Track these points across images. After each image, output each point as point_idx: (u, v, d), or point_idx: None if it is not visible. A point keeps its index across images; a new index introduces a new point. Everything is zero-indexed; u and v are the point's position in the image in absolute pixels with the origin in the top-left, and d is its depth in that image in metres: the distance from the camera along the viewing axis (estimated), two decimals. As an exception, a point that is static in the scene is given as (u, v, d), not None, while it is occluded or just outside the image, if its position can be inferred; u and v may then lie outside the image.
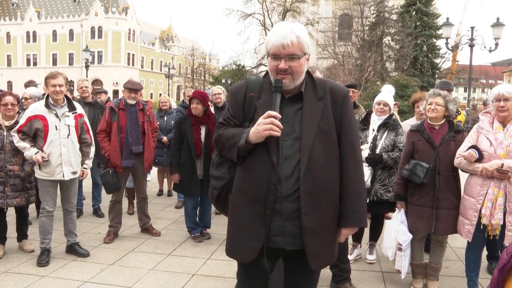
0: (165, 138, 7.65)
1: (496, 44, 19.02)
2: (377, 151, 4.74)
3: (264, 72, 2.46)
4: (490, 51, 19.51)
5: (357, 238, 5.14)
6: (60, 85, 4.78)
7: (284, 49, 2.19)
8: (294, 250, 2.31)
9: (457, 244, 5.51)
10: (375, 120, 4.88)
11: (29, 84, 7.47)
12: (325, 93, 2.35)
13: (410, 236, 4.16)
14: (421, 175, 3.97)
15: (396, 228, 4.24)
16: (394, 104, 5.47)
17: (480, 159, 3.71)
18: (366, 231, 5.24)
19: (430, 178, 3.98)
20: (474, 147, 3.76)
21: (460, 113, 5.68)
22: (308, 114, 2.28)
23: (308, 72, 2.38)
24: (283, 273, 2.56)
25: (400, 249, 4.22)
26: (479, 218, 3.75)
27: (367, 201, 4.72)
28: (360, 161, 2.42)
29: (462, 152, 3.81)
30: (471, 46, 19.29)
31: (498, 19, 18.58)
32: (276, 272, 2.55)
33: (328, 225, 2.33)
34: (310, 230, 2.25)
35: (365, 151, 4.76)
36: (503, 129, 3.74)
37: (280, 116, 2.18)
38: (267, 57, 2.29)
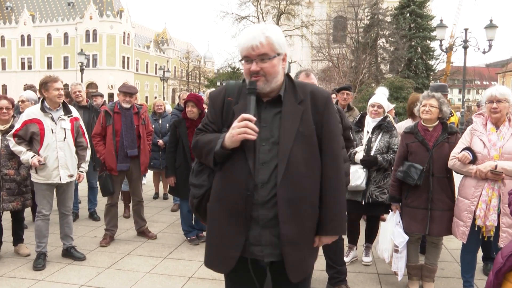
0: (160, 141, 7.66)
1: (490, 46, 19.17)
2: (372, 153, 4.77)
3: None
4: (484, 52, 19.65)
5: (353, 240, 5.16)
6: (61, 89, 4.84)
7: (253, 50, 2.15)
8: (276, 261, 2.23)
9: (452, 245, 5.53)
10: (370, 122, 4.91)
11: (29, 88, 7.46)
12: (305, 96, 2.28)
13: (406, 237, 4.18)
14: (415, 177, 3.99)
15: (392, 230, 4.26)
16: (390, 111, 5.49)
17: (474, 160, 3.73)
18: (362, 233, 5.26)
19: (424, 179, 3.99)
20: (467, 148, 3.79)
21: (453, 115, 5.72)
22: (287, 118, 2.21)
23: (288, 75, 2.33)
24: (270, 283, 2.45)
25: (396, 251, 4.23)
26: (474, 219, 3.77)
27: (362, 203, 4.77)
28: (341, 169, 2.33)
29: (456, 153, 3.83)
30: (465, 47, 19.41)
31: (491, 20, 18.71)
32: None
33: (307, 234, 2.26)
34: (289, 239, 2.18)
35: (359, 153, 4.79)
36: (496, 131, 3.76)
37: (255, 119, 2.11)
38: (240, 61, 2.24)
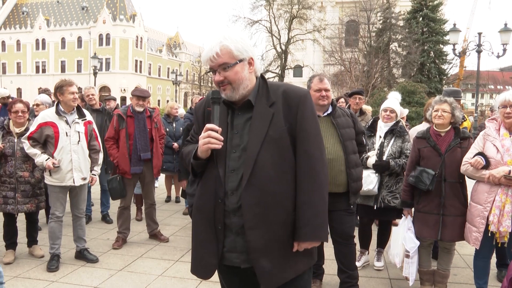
0: (176, 145, 7.71)
1: (504, 50, 18.99)
2: (384, 157, 4.76)
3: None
4: (498, 56, 19.46)
5: (365, 245, 5.14)
6: (76, 92, 4.91)
7: (212, 62, 2.17)
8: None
9: (465, 251, 5.49)
10: (382, 127, 4.91)
11: (44, 91, 7.56)
12: (277, 98, 2.23)
13: (418, 242, 4.16)
14: (427, 182, 3.96)
15: (403, 235, 4.24)
16: (402, 118, 5.47)
17: (487, 166, 3.70)
18: (374, 237, 5.24)
19: (436, 185, 3.97)
20: (480, 154, 3.76)
21: (466, 120, 5.66)
22: (256, 122, 2.18)
23: (262, 77, 2.30)
24: None
25: (407, 256, 4.21)
26: (487, 225, 3.73)
27: (374, 208, 4.75)
28: (316, 169, 2.21)
29: (469, 159, 3.81)
30: (479, 51, 19.24)
31: (506, 24, 18.53)
32: None
33: (279, 241, 2.18)
34: (256, 245, 2.14)
35: (372, 158, 4.78)
36: (510, 136, 3.73)
37: (219, 129, 2.13)
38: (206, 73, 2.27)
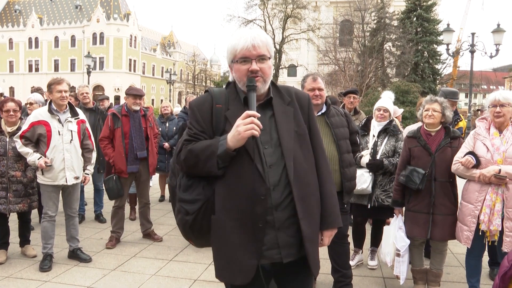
0: (166, 144, 7.70)
1: (497, 50, 19.11)
2: (378, 156, 4.78)
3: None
4: (491, 57, 19.58)
5: (359, 244, 5.16)
6: (65, 91, 4.86)
7: (255, 49, 2.16)
8: (277, 263, 2.23)
9: (458, 250, 5.52)
10: (376, 126, 4.92)
11: (36, 90, 7.52)
12: (291, 98, 2.35)
13: (408, 241, 4.18)
14: (417, 181, 3.98)
15: (394, 234, 4.27)
16: (398, 116, 5.48)
17: (477, 165, 3.73)
18: (368, 236, 5.26)
19: (426, 184, 4.00)
20: (471, 153, 3.79)
21: (462, 120, 5.69)
22: (282, 119, 2.26)
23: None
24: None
25: (398, 255, 4.23)
26: (478, 224, 3.77)
27: (368, 207, 4.77)
28: (328, 163, 2.45)
29: (459, 158, 3.84)
30: (472, 52, 19.34)
31: (498, 25, 18.66)
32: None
33: (318, 229, 2.33)
34: (308, 235, 2.22)
35: (365, 157, 4.79)
36: (500, 135, 3.77)
37: (259, 115, 2.09)
38: (233, 63, 2.23)
